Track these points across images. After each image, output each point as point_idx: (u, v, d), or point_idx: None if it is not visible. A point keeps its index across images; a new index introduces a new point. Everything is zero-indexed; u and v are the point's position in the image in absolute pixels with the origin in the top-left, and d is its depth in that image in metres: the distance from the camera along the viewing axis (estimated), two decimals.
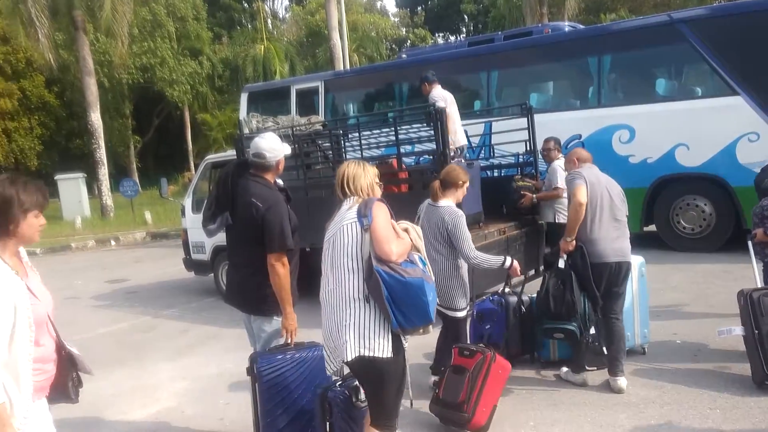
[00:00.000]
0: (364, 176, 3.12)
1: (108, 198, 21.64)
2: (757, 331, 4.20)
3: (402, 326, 2.82)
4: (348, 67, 19.92)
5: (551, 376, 4.79)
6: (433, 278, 3.01)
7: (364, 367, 2.87)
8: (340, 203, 3.14)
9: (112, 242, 16.87)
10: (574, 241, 4.40)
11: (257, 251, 3.60)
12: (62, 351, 2.58)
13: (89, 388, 5.38)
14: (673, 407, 4.09)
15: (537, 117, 7.27)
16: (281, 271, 3.57)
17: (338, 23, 19.49)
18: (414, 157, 8.77)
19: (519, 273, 4.49)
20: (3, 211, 2.40)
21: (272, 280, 3.58)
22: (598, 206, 4.38)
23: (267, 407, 3.60)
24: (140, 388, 5.41)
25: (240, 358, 5.86)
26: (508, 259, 4.39)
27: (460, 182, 4.47)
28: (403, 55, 14.13)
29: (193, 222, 8.84)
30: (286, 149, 3.84)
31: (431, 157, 6.58)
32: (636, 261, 4.94)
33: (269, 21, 42.53)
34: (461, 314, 4.43)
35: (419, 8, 46.30)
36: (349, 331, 2.85)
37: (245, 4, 42.81)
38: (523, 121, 7.16)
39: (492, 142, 8.81)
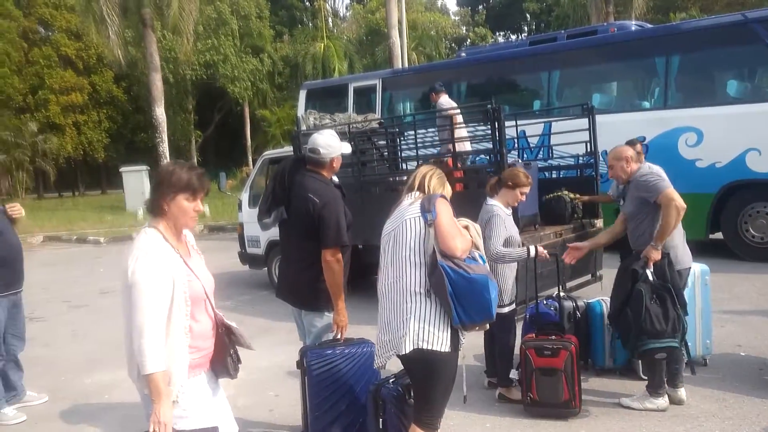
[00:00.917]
0: (436, 178, 3.12)
1: None
2: None
3: (463, 322, 2.80)
4: (406, 65, 19.90)
5: (606, 384, 4.64)
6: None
7: (420, 360, 2.83)
8: (399, 198, 3.11)
9: None
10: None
11: (311, 246, 3.62)
12: (220, 329, 2.64)
13: None
14: (735, 422, 3.90)
15: (599, 118, 7.08)
16: (335, 266, 3.57)
17: (398, 22, 19.48)
18: (471, 156, 8.70)
19: (547, 257, 4.26)
20: (157, 187, 2.53)
21: (326, 275, 3.58)
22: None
23: (315, 401, 3.63)
24: None
25: (291, 351, 5.91)
26: (532, 248, 4.22)
27: (510, 183, 4.40)
28: (462, 54, 14.00)
29: (249, 216, 8.99)
30: (345, 148, 3.84)
31: (487, 156, 6.49)
32: (700, 269, 4.74)
33: (330, 19, 43.00)
34: (505, 310, 4.36)
35: (480, 6, 45.97)
36: (408, 324, 2.82)
37: (307, 3, 43.43)
38: (584, 122, 6.99)
39: (551, 143, 8.63)
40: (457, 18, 45.73)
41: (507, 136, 6.20)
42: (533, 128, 9.12)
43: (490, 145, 6.19)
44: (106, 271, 11.85)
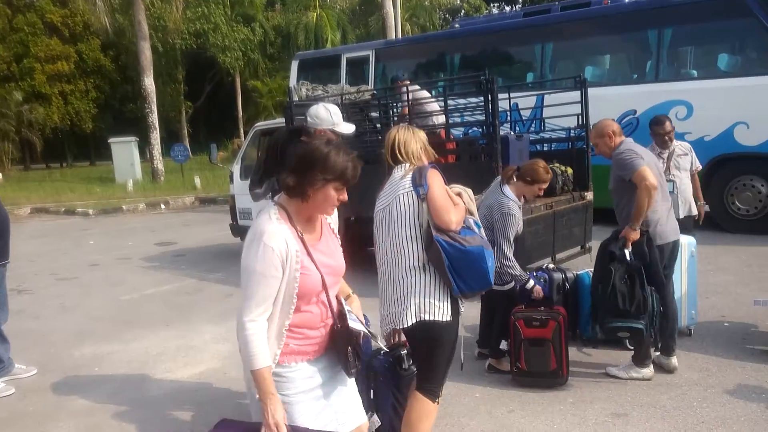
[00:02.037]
0: (414, 141, 3.09)
1: (159, 162, 22.13)
2: None
3: (463, 291, 2.87)
4: (400, 36, 19.71)
5: (593, 354, 4.72)
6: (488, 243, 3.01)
7: (423, 331, 2.89)
8: (390, 170, 3.11)
9: (162, 206, 17.29)
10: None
11: None
12: (337, 324, 2.33)
13: (137, 346, 5.63)
14: (717, 390, 4.00)
15: (591, 91, 7.06)
16: None
17: None
18: (463, 129, 8.69)
19: (540, 296, 4.34)
20: (305, 169, 2.22)
21: None
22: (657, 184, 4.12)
23: None
24: (185, 349, 5.57)
25: None
26: (531, 282, 4.31)
27: (529, 179, 4.37)
28: (456, 25, 13.89)
29: (240, 188, 8.96)
30: (341, 126, 3.73)
31: (480, 128, 6.49)
32: (687, 241, 4.80)
33: None
34: (507, 287, 4.41)
35: None
36: (410, 299, 2.87)
37: None
38: (576, 95, 6.98)
39: (543, 116, 8.63)
40: None
41: (500, 109, 6.20)
42: (526, 100, 9.11)
43: (482, 117, 6.18)
44: (96, 243, 11.83)
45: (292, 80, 13.46)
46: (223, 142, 33.51)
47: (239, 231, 9.21)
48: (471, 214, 3.05)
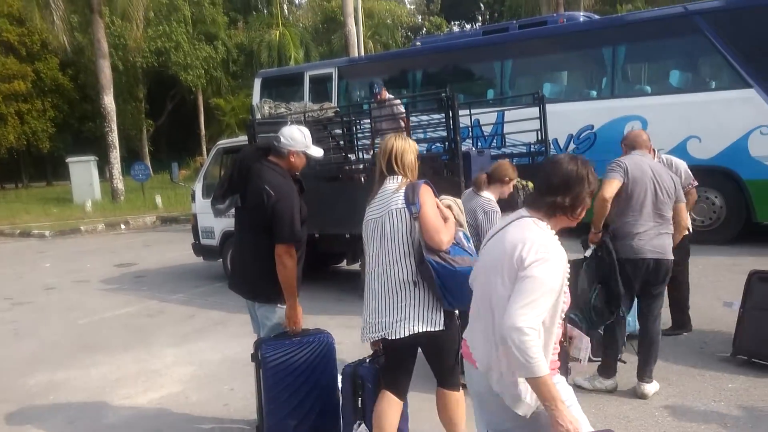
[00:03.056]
0: (410, 152, 3.14)
1: (119, 181, 21.75)
2: (742, 309, 4.63)
3: (453, 306, 2.98)
4: (363, 54, 19.83)
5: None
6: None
7: (417, 342, 3.00)
8: (382, 179, 3.13)
9: (122, 226, 16.98)
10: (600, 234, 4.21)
11: (264, 238, 3.55)
12: (563, 336, 2.50)
13: (95, 372, 5.47)
14: (677, 399, 4.08)
15: (550, 107, 7.20)
16: (288, 262, 3.51)
17: (354, 10, 19.37)
18: (426, 145, 8.74)
19: None
20: (575, 189, 2.23)
21: (278, 270, 3.51)
22: (640, 200, 4.11)
23: (271, 393, 3.60)
24: (145, 373, 5.44)
25: (246, 344, 5.87)
26: None
27: (507, 179, 4.62)
28: (418, 43, 14.04)
29: (203, 207, 8.85)
30: (314, 151, 3.74)
31: (442, 144, 6.55)
32: None
33: (285, 6, 42.38)
34: None
35: None
36: (402, 311, 2.96)
37: None
38: (535, 111, 7.10)
39: (504, 131, 8.75)
40: (412, 7, 45.73)
41: (461, 125, 6.27)
42: (487, 116, 9.22)
43: (444, 133, 6.24)
44: (53, 265, 11.53)
45: (255, 98, 13.42)
46: (185, 161, 33.14)
47: (201, 250, 9.08)
48: (460, 225, 3.16)
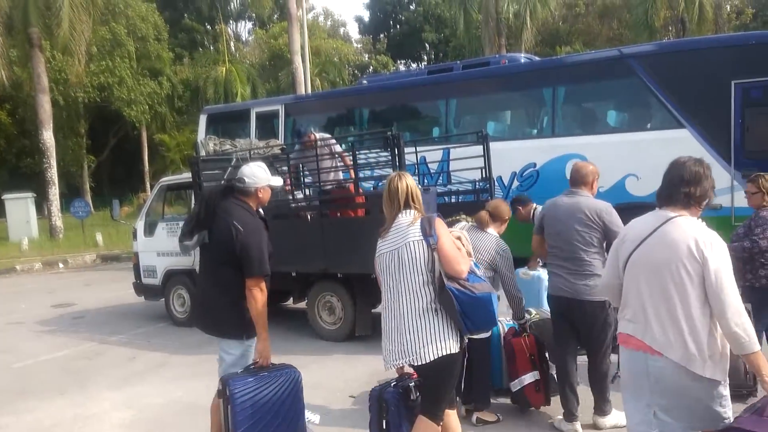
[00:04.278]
0: (416, 186, 3.38)
1: (58, 219, 21.02)
2: None
3: (470, 330, 3.22)
4: (310, 91, 19.96)
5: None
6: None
7: (440, 365, 3.16)
8: (395, 214, 3.30)
9: (60, 265, 16.37)
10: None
11: (229, 273, 3.66)
12: None
13: (29, 418, 5.21)
14: None
15: (493, 145, 7.39)
16: (259, 296, 3.64)
17: (301, 48, 19.55)
18: (372, 182, 8.82)
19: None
20: (701, 184, 2.68)
21: (249, 304, 3.64)
22: (552, 243, 4.37)
23: (240, 429, 3.56)
24: (82, 419, 5.20)
25: (189, 386, 5.73)
26: (528, 316, 4.70)
27: (507, 218, 4.95)
28: (364, 82, 14.23)
29: (144, 245, 8.65)
30: (274, 180, 3.96)
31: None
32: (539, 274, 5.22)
33: (232, 43, 42.45)
34: (485, 335, 4.42)
35: (382, 35, 46.96)
36: (427, 337, 3.14)
37: (208, 26, 42.65)
38: (479, 149, 7.26)
39: (449, 169, 8.91)
40: (359, 46, 46.48)
41: (407, 162, 6.35)
42: (432, 154, 9.38)
43: (390, 171, 6.30)
44: None
45: (201, 134, 13.27)
46: (128, 197, 32.35)
47: (143, 290, 8.84)
48: (469, 255, 3.39)
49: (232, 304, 3.68)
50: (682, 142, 8.66)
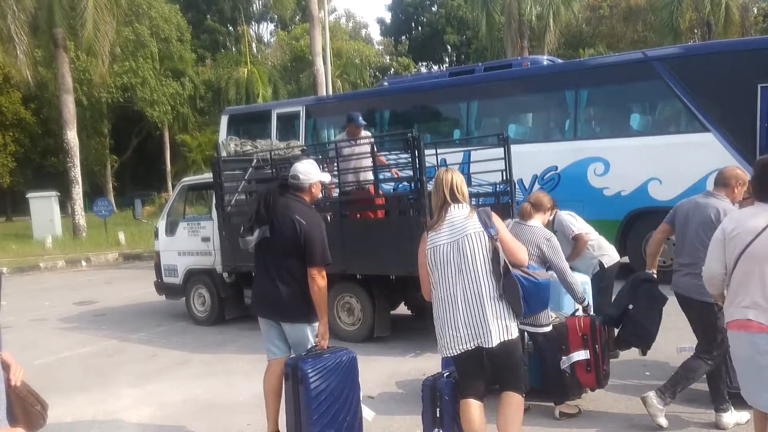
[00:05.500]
0: (464, 182, 3.52)
1: (81, 217, 21.28)
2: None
3: (529, 311, 3.50)
4: (331, 92, 20.01)
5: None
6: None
7: (509, 346, 3.38)
8: (444, 208, 3.45)
9: (83, 263, 16.58)
10: None
11: (295, 263, 3.95)
12: None
13: (50, 415, 5.24)
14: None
15: (514, 147, 7.33)
16: (322, 282, 3.93)
17: (322, 49, 19.59)
18: (393, 184, 8.79)
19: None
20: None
21: (313, 290, 3.91)
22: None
23: (312, 410, 3.70)
24: (102, 415, 5.25)
25: (208, 384, 5.76)
26: (587, 300, 4.70)
27: (549, 206, 5.05)
28: (385, 83, 14.24)
29: (166, 244, 8.71)
30: (324, 177, 4.27)
31: (409, 184, 6.60)
32: (581, 279, 5.08)
33: (254, 45, 42.72)
34: (546, 329, 4.50)
35: (403, 37, 47.00)
36: (491, 323, 3.33)
37: (230, 28, 43.05)
38: (500, 151, 7.22)
39: (470, 171, 8.86)
40: (380, 47, 46.54)
41: (427, 164, 6.33)
42: (453, 156, 9.35)
43: (410, 173, 6.29)
44: (10, 303, 11.11)
45: (222, 135, 13.37)
46: (150, 197, 32.69)
47: (164, 289, 8.90)
48: None
49: (299, 291, 3.94)
50: (706, 146, 8.57)
